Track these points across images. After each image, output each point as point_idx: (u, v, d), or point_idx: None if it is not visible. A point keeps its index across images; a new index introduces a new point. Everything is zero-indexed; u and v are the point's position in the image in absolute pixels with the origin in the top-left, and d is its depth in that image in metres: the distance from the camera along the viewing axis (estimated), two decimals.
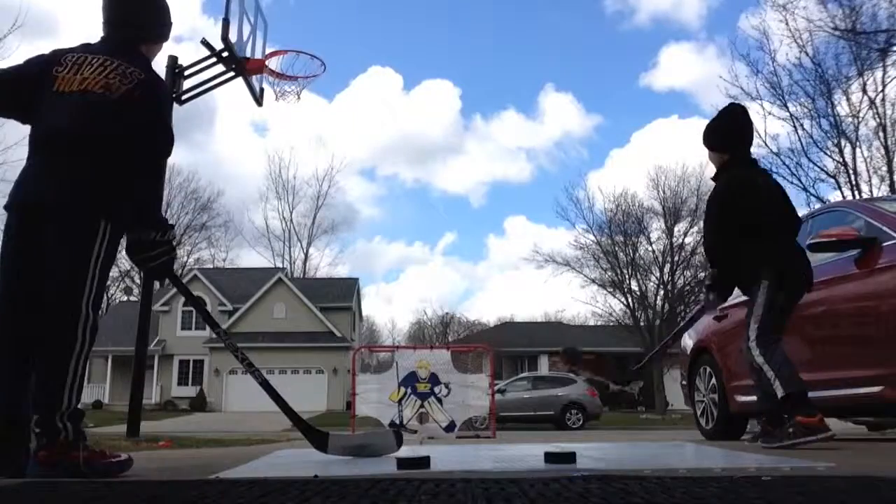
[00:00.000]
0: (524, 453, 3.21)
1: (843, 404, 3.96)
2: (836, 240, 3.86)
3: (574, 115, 72.88)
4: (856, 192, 18.53)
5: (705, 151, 3.75)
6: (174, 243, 2.50)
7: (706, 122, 3.79)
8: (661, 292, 30.76)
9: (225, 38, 6.65)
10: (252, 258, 64.14)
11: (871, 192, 18.50)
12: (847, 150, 19.20)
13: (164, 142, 2.54)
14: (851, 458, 2.72)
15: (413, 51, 76.95)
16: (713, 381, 5.18)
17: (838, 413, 4.93)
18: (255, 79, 7.53)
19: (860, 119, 18.95)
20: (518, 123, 73.30)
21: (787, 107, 19.56)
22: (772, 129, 22.60)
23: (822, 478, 1.74)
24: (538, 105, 77.06)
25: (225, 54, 6.90)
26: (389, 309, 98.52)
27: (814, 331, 4.03)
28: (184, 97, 7.15)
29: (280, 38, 49.08)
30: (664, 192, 31.52)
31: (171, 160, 2.99)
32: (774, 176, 3.83)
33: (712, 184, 3.70)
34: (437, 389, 8.20)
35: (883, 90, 18.22)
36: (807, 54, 18.81)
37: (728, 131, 3.69)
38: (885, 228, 3.72)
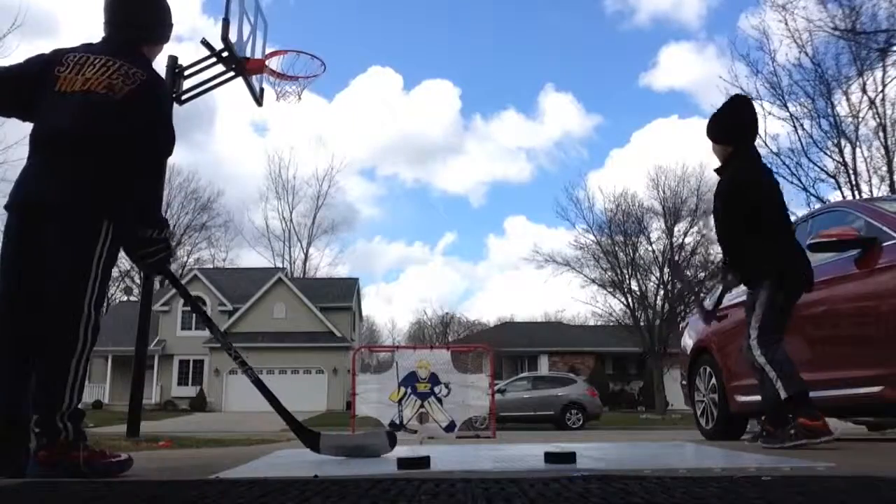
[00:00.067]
0: (524, 453, 3.21)
1: (843, 404, 3.96)
2: (836, 240, 3.84)
3: (574, 115, 73.06)
4: (856, 192, 18.51)
5: (707, 147, 3.70)
6: (171, 241, 2.51)
7: (706, 122, 3.73)
8: (661, 292, 30.75)
9: (225, 38, 6.65)
10: (252, 258, 64.31)
11: (871, 192, 18.49)
12: (847, 150, 19.20)
13: (166, 141, 2.55)
14: (851, 458, 2.72)
15: (413, 51, 77.09)
16: (713, 380, 5.18)
17: (838, 413, 4.93)
18: (255, 79, 7.52)
19: (860, 119, 18.95)
20: (518, 123, 73.48)
21: (786, 107, 19.56)
22: (772, 129, 22.49)
23: (822, 478, 1.74)
24: (538, 105, 77.25)
25: (225, 54, 6.90)
26: (389, 309, 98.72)
27: (814, 331, 4.03)
28: (184, 97, 7.15)
29: (280, 38, 49.18)
30: (664, 192, 31.57)
31: (171, 160, 3.00)
32: (774, 176, 3.81)
33: (713, 184, 3.68)
34: (437, 389, 8.19)
35: (883, 90, 18.22)
36: (806, 54, 18.81)
37: (732, 124, 3.63)
38: (885, 228, 3.71)
